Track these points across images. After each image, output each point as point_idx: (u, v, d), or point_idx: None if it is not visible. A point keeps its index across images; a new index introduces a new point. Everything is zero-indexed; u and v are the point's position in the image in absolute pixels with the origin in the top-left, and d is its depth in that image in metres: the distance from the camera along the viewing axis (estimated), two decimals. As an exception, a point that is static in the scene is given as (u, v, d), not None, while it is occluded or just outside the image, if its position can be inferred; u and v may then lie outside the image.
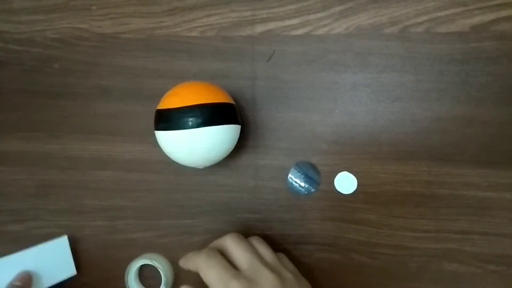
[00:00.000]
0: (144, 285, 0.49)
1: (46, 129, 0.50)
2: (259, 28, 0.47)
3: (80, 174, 0.50)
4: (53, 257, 0.47)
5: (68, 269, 0.48)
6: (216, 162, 0.42)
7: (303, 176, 0.46)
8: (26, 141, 0.51)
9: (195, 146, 0.39)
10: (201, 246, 0.48)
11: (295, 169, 0.46)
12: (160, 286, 0.47)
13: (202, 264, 0.36)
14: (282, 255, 0.41)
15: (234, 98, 0.44)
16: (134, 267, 0.48)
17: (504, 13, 0.43)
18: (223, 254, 0.38)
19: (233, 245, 0.38)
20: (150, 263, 0.47)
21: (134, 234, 0.49)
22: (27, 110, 0.51)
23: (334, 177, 0.46)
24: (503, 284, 0.44)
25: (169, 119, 0.39)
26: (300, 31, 0.46)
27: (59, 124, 0.50)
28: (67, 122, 0.50)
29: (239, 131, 0.43)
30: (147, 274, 0.50)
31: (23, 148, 0.51)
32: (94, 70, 0.49)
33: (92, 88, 0.49)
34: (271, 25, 0.47)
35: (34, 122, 0.50)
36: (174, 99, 0.39)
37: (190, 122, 0.38)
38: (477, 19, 0.44)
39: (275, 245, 0.47)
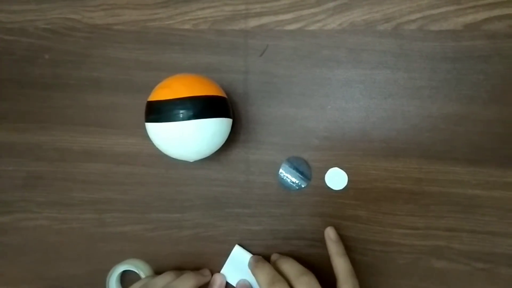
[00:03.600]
0: None
1: (36, 120, 0.50)
2: (253, 22, 0.47)
3: (70, 166, 0.49)
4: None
5: None
6: (206, 156, 0.42)
7: (294, 171, 0.46)
8: (16, 132, 0.50)
9: (185, 138, 0.38)
10: (190, 240, 0.48)
11: (286, 164, 0.46)
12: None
13: None
14: None
15: (226, 92, 0.44)
16: (117, 272, 0.47)
17: (496, 12, 0.43)
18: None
19: None
20: (134, 270, 0.47)
21: (123, 228, 0.49)
22: (17, 101, 0.50)
23: (325, 173, 0.46)
24: (490, 281, 0.44)
25: (160, 111, 0.38)
26: (293, 26, 0.46)
27: (49, 115, 0.49)
28: (57, 114, 0.49)
29: (231, 125, 0.43)
30: (128, 280, 0.49)
31: (12, 139, 0.50)
32: (85, 62, 0.49)
33: (83, 80, 0.49)
34: (265, 20, 0.46)
35: (24, 113, 0.50)
36: (165, 91, 0.39)
37: (181, 115, 0.38)
38: (469, 18, 0.44)
39: (264, 240, 0.47)
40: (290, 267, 0.40)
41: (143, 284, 0.42)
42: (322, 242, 0.46)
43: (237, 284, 0.46)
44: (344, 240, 0.46)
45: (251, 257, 0.45)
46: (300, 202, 0.47)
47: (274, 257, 0.45)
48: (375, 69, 0.45)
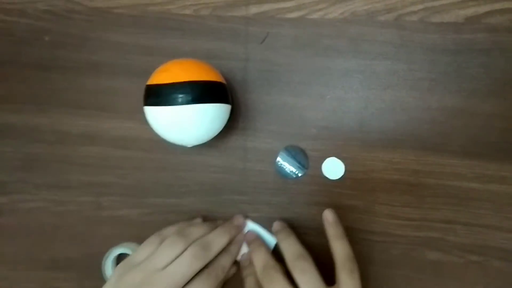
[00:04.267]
0: None
1: (34, 102, 0.49)
2: (254, 9, 0.46)
3: (67, 149, 0.49)
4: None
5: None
6: (204, 141, 0.42)
7: (291, 160, 0.46)
8: (14, 114, 0.50)
9: (183, 123, 0.38)
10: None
11: (284, 152, 0.46)
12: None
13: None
14: None
15: (226, 79, 0.44)
16: (113, 255, 0.47)
17: (498, 5, 0.43)
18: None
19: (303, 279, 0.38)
20: (129, 253, 0.47)
21: (120, 211, 0.49)
22: (16, 82, 0.50)
23: (322, 162, 0.46)
24: (483, 274, 0.45)
25: (159, 95, 0.38)
26: (295, 14, 0.46)
27: (47, 97, 0.49)
28: (56, 96, 0.49)
29: (229, 111, 0.43)
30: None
31: (11, 120, 0.50)
32: (85, 44, 0.49)
33: (82, 63, 0.49)
34: (266, 7, 0.46)
35: (23, 94, 0.50)
36: (164, 75, 0.39)
37: (180, 99, 0.38)
38: (471, 11, 0.44)
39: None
40: (288, 247, 0.40)
41: (177, 230, 0.42)
42: (318, 231, 0.46)
43: (245, 234, 0.46)
44: (339, 229, 0.46)
45: (275, 222, 0.45)
46: (296, 190, 0.47)
47: (276, 226, 0.45)
48: (375, 60, 0.45)
